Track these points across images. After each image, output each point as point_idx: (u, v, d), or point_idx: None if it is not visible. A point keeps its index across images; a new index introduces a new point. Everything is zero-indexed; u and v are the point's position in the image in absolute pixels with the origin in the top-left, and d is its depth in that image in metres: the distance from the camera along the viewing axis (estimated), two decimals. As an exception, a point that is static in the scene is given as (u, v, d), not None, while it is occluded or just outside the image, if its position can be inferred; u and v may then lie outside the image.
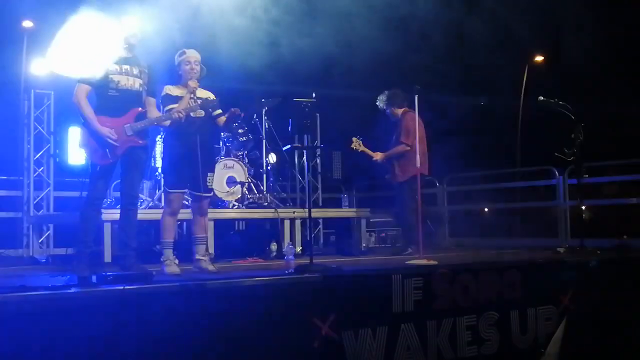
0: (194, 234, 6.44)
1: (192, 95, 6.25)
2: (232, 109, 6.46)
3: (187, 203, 7.31)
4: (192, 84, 6.28)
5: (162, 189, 6.85)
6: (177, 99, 6.27)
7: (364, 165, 13.41)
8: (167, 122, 6.13)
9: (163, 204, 6.72)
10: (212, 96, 6.49)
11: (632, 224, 11.33)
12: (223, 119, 6.57)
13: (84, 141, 5.86)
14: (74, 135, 10.14)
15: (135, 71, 6.01)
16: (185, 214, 7.28)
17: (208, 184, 6.41)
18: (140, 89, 6.01)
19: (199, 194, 6.37)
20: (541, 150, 8.79)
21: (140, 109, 5.98)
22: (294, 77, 10.18)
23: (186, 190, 6.41)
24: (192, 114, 6.16)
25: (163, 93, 6.36)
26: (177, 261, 6.33)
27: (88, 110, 5.78)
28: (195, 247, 6.38)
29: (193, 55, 6.43)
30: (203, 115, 6.31)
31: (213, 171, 6.61)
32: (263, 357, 4.83)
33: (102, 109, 5.84)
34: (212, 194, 6.68)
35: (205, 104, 6.26)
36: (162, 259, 6.21)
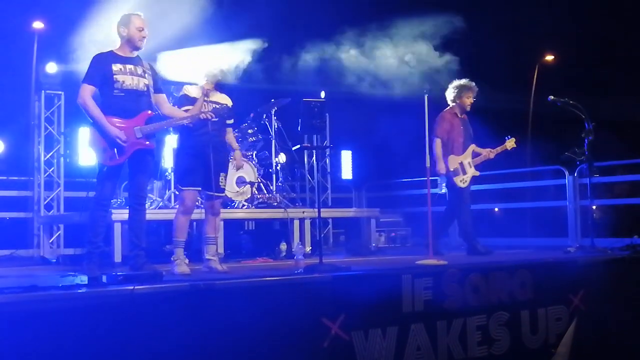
0: (205, 234, 6.45)
1: (205, 98, 6.29)
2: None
3: (198, 204, 7.33)
4: (207, 86, 6.32)
5: (174, 187, 6.88)
6: (194, 101, 6.32)
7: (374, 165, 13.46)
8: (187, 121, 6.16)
9: (174, 203, 6.75)
10: (229, 101, 6.56)
11: (643, 224, 11.28)
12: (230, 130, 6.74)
13: (92, 141, 5.86)
14: (84, 135, 10.19)
15: (139, 71, 5.98)
16: (196, 213, 7.30)
17: (220, 184, 6.44)
18: (145, 89, 5.99)
19: (211, 193, 6.39)
20: (551, 150, 8.77)
21: (150, 112, 5.98)
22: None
23: (199, 188, 6.43)
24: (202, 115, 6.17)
25: (181, 93, 6.45)
26: (187, 261, 6.35)
27: (95, 110, 5.76)
28: (206, 247, 6.40)
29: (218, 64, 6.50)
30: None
31: (226, 171, 6.63)
32: (272, 357, 4.83)
33: (110, 109, 5.81)
34: (224, 194, 6.70)
35: (218, 112, 6.28)
36: (172, 258, 6.25)
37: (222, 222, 8.09)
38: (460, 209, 8.31)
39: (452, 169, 8.19)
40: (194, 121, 6.13)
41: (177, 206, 6.52)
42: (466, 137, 8.33)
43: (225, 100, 6.55)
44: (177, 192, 6.65)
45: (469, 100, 8.31)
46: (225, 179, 6.57)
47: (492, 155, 8.34)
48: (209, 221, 6.48)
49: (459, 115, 8.35)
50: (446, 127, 8.25)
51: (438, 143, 8.20)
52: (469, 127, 8.38)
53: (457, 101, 8.33)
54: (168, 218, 6.53)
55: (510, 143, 8.31)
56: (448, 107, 8.41)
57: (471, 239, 8.24)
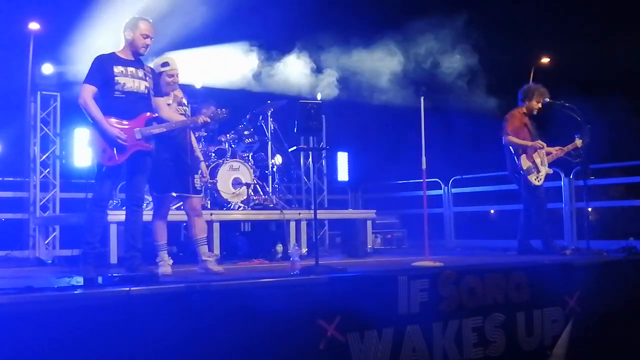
0: (194, 237, 6.49)
1: (178, 105, 6.42)
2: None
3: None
4: (179, 93, 6.49)
5: (149, 193, 6.94)
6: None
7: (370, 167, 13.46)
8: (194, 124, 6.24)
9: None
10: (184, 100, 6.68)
11: (638, 226, 11.29)
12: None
13: (91, 141, 5.87)
14: (80, 136, 10.18)
15: (140, 73, 6.01)
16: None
17: (196, 185, 6.47)
18: (146, 91, 6.01)
19: (187, 195, 6.44)
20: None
21: (149, 113, 5.99)
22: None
23: (171, 193, 6.49)
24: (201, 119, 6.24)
25: None
26: (171, 262, 6.44)
27: (95, 111, 5.77)
28: (199, 248, 6.44)
29: (175, 66, 6.56)
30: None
31: (198, 172, 6.69)
32: (268, 358, 4.83)
33: (110, 110, 5.83)
34: (201, 195, 6.75)
35: (215, 116, 6.34)
36: (157, 260, 6.36)
37: (217, 224, 8.12)
38: (537, 207, 8.38)
39: (525, 168, 8.31)
40: (194, 125, 6.23)
41: (153, 211, 6.56)
42: (535, 136, 8.44)
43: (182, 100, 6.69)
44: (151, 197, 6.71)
45: (538, 104, 8.47)
46: (200, 180, 6.62)
47: (562, 154, 8.49)
48: (193, 223, 6.52)
49: (530, 119, 8.52)
50: (517, 125, 8.41)
51: (514, 139, 8.33)
52: (535, 128, 8.51)
53: (527, 102, 8.49)
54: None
55: (579, 141, 8.38)
56: (517, 107, 8.55)
57: (546, 237, 8.34)
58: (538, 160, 8.32)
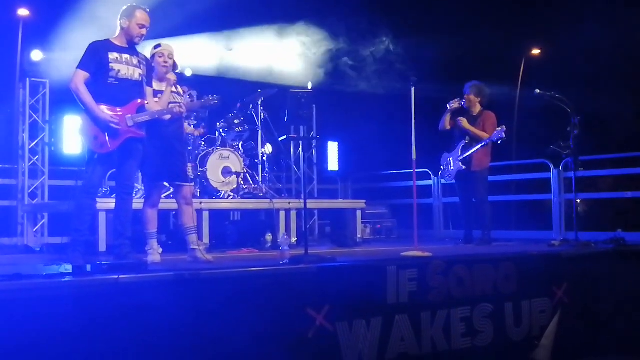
0: (184, 225, 6.48)
1: (173, 89, 6.37)
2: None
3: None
4: (172, 77, 6.40)
5: (141, 181, 6.89)
6: (155, 93, 6.31)
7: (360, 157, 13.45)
8: (168, 116, 6.19)
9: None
10: (180, 90, 6.66)
11: (626, 217, 11.35)
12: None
13: (83, 128, 5.83)
14: (70, 124, 10.13)
15: (135, 61, 5.98)
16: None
17: (188, 173, 6.46)
18: (140, 79, 5.98)
19: (179, 183, 6.43)
20: (537, 143, 8.82)
21: (140, 100, 5.95)
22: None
23: (164, 181, 6.49)
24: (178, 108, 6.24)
25: None
26: (160, 250, 6.46)
27: (87, 97, 5.72)
28: (188, 237, 6.42)
29: (167, 48, 6.50)
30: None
31: (189, 161, 6.66)
32: (257, 347, 4.83)
33: (102, 97, 5.78)
34: (192, 183, 6.73)
35: (207, 103, 6.33)
36: (146, 248, 6.34)
37: (207, 212, 8.12)
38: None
39: (441, 166, 8.97)
40: (185, 112, 6.23)
41: (144, 199, 6.54)
42: (462, 133, 8.74)
43: (179, 90, 6.65)
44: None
45: (466, 97, 8.82)
46: (192, 169, 6.61)
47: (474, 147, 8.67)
48: (183, 212, 6.51)
49: (470, 112, 8.82)
50: (445, 124, 8.86)
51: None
52: (476, 123, 8.74)
53: (464, 99, 8.86)
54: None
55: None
56: None
57: (467, 228, 8.94)
58: (454, 158, 8.78)
